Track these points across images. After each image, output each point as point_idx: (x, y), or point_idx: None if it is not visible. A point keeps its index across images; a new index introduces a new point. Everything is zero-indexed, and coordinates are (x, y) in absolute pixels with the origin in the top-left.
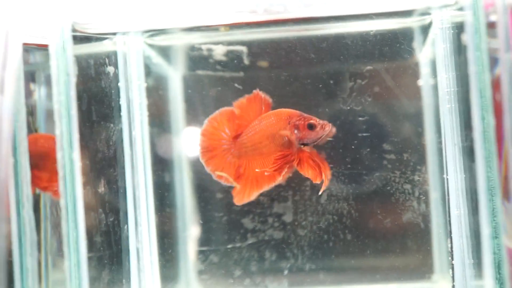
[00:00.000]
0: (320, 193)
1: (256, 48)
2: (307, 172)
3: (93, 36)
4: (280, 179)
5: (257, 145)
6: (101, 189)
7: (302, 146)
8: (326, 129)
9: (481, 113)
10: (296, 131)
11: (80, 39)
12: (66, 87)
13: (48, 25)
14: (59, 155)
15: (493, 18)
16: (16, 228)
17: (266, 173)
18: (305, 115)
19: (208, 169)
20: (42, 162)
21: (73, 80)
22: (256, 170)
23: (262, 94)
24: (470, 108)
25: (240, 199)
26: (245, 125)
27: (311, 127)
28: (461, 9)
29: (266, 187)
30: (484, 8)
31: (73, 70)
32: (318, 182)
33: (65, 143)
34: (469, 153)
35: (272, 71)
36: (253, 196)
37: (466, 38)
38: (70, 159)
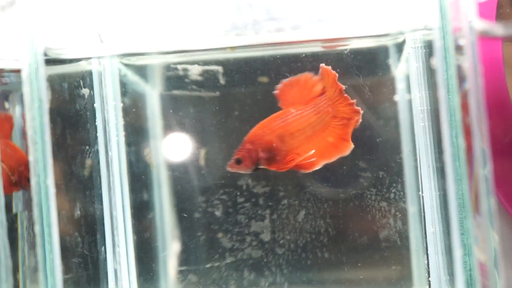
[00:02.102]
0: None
1: (232, 67)
2: None
3: (66, 59)
4: None
5: None
6: (77, 212)
7: None
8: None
9: (452, 135)
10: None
11: (53, 61)
12: (39, 113)
13: (21, 50)
14: (33, 181)
15: (461, 42)
16: None
17: None
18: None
19: None
20: None
21: (46, 106)
22: None
23: None
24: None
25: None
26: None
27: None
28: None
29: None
30: (452, 32)
31: (46, 96)
32: None
33: (39, 169)
34: (443, 171)
35: (247, 90)
36: None
37: (436, 61)
38: (44, 185)
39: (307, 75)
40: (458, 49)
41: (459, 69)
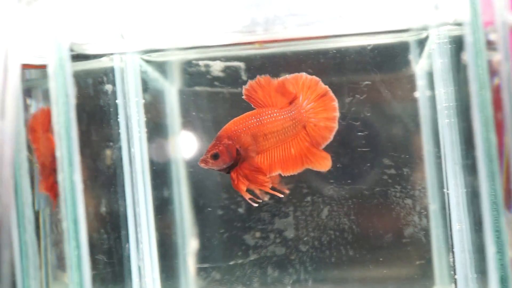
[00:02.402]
0: None
1: (254, 64)
2: None
3: (90, 55)
4: None
5: None
6: (103, 209)
7: None
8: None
9: (483, 131)
10: None
11: (78, 56)
12: (66, 108)
13: (47, 46)
14: (60, 177)
15: (492, 37)
16: (18, 252)
17: None
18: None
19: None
20: None
21: (72, 101)
22: None
23: None
24: (471, 123)
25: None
26: None
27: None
28: (459, 25)
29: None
30: (483, 26)
31: (72, 91)
32: None
33: (65, 165)
34: (470, 168)
35: None
36: None
37: (466, 57)
38: (71, 181)
39: (265, 78)
40: (489, 44)
41: (490, 64)
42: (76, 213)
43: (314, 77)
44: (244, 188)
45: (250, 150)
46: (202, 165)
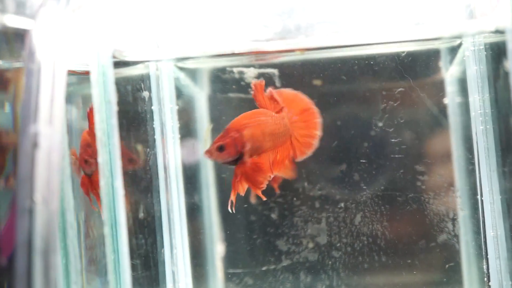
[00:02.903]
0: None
1: (288, 71)
2: None
3: (130, 62)
4: None
5: None
6: (141, 214)
7: None
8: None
9: None
10: None
11: (118, 64)
12: (108, 115)
13: (90, 52)
14: (102, 183)
15: None
16: (60, 257)
17: None
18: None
19: None
20: None
21: (115, 108)
22: None
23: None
24: (509, 130)
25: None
26: None
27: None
28: (499, 33)
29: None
30: None
31: (114, 98)
32: None
33: (107, 171)
34: (507, 175)
35: (304, 92)
36: None
37: (509, 64)
38: (112, 187)
39: (261, 83)
40: None
41: None
42: (117, 219)
43: (298, 92)
44: (242, 189)
45: (257, 146)
46: (207, 155)
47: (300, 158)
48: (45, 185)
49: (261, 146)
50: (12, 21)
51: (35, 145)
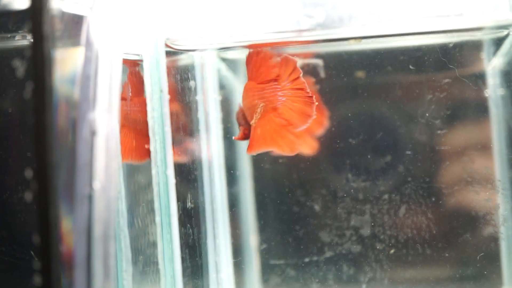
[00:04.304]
0: None
1: (333, 61)
2: None
3: (178, 51)
4: None
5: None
6: (189, 204)
7: None
8: None
9: None
10: None
11: (169, 52)
12: (160, 103)
13: (143, 41)
14: (153, 171)
15: None
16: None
17: None
18: None
19: None
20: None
21: (167, 97)
22: None
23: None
24: None
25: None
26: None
27: None
28: None
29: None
30: None
31: (166, 87)
32: None
33: (159, 159)
34: None
35: (349, 83)
36: None
37: None
38: (164, 175)
39: (266, 52)
40: None
41: None
42: (169, 208)
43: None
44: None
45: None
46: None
47: (300, 125)
48: (103, 172)
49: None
50: (71, 7)
51: (94, 132)
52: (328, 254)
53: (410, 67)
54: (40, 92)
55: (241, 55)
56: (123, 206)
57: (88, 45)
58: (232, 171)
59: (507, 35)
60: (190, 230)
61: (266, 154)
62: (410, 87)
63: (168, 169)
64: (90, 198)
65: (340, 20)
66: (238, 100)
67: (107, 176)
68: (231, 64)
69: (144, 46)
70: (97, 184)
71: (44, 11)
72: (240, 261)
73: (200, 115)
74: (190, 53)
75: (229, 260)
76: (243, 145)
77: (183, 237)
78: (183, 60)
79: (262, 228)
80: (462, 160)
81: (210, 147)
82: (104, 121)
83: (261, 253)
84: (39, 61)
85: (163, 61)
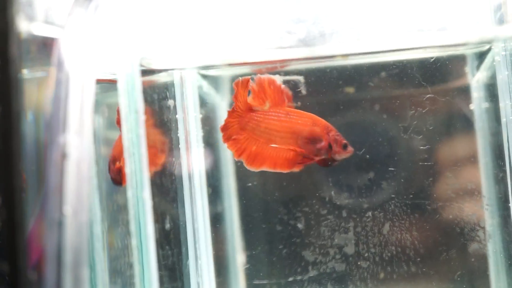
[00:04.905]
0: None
1: (314, 78)
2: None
3: (155, 70)
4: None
5: (272, 132)
6: (167, 225)
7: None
8: (350, 154)
9: None
10: (334, 144)
11: (145, 72)
12: (135, 124)
13: (117, 61)
14: (129, 194)
15: None
16: (88, 266)
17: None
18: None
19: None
20: None
21: (142, 117)
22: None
23: (283, 86)
24: None
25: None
26: (260, 104)
27: (345, 147)
28: None
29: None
30: None
31: (142, 107)
32: None
33: (135, 181)
34: None
35: (330, 100)
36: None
37: None
38: (140, 198)
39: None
40: None
41: None
42: (145, 230)
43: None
44: None
45: None
46: None
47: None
48: (74, 197)
49: None
50: (40, 29)
51: (64, 155)
52: (312, 273)
53: (393, 82)
54: (6, 117)
55: (223, 72)
56: (98, 230)
57: (59, 66)
58: (215, 189)
59: (489, 49)
60: (169, 251)
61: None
62: (393, 102)
63: (144, 191)
64: (60, 223)
65: (322, 37)
66: (220, 117)
67: (79, 201)
68: (213, 81)
69: (119, 66)
70: (68, 209)
71: (10, 34)
72: (223, 281)
73: (180, 134)
74: (171, 71)
75: (212, 280)
76: (226, 162)
77: (161, 259)
78: (162, 78)
79: (247, 246)
80: (447, 176)
81: (190, 166)
82: (75, 144)
83: (246, 273)
84: (5, 85)
85: (138, 81)
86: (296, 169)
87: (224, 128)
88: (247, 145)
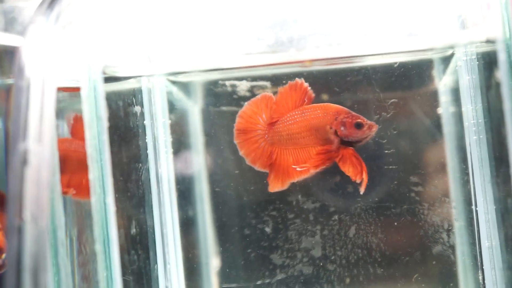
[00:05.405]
0: (362, 192)
1: (280, 83)
2: (348, 170)
3: (121, 77)
4: (313, 172)
5: (294, 135)
6: (133, 230)
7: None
8: (373, 130)
9: None
10: (342, 128)
11: (109, 79)
12: (99, 131)
13: (80, 69)
14: (93, 200)
15: None
16: (51, 275)
17: (300, 168)
18: (353, 113)
19: (241, 153)
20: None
21: (105, 124)
22: (294, 166)
23: (306, 85)
24: (502, 140)
25: (273, 187)
26: (283, 113)
27: (359, 126)
28: (490, 42)
29: (298, 178)
30: None
31: (105, 114)
32: (358, 180)
33: (98, 187)
34: (500, 185)
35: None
36: (286, 185)
37: (500, 74)
38: (104, 203)
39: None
40: None
41: None
42: (109, 236)
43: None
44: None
45: None
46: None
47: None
48: (34, 203)
49: None
50: (1, 38)
51: (24, 162)
52: (280, 276)
53: (359, 86)
54: None
55: (194, 78)
56: (62, 235)
57: (19, 74)
58: (186, 195)
59: (452, 54)
60: (135, 256)
61: (225, 174)
62: (360, 106)
63: (108, 197)
64: (20, 229)
65: (290, 42)
66: (191, 123)
67: (38, 207)
68: (183, 86)
69: (81, 73)
70: (27, 215)
71: None
72: (194, 285)
73: (148, 140)
74: (138, 78)
75: (182, 284)
76: (198, 167)
77: (126, 264)
78: (129, 84)
79: (219, 251)
80: (412, 180)
81: (158, 171)
82: (35, 152)
83: (217, 277)
84: None
85: (101, 88)
86: (328, 165)
87: (256, 157)
88: (281, 161)
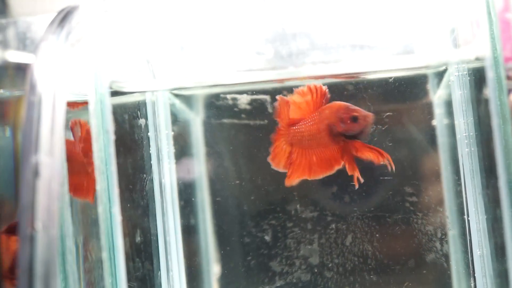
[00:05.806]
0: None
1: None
2: (368, 156)
3: (127, 92)
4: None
5: (315, 135)
6: (138, 238)
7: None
8: (368, 120)
9: (505, 163)
10: (342, 124)
11: (116, 92)
12: (105, 144)
13: (88, 85)
14: (100, 209)
15: None
16: (60, 282)
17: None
18: (351, 107)
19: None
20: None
21: (112, 137)
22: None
23: (325, 87)
24: (492, 153)
25: (289, 182)
26: (301, 114)
27: (354, 119)
28: (480, 60)
29: (320, 176)
30: (503, 63)
31: (112, 128)
32: (382, 161)
33: (105, 197)
34: (491, 195)
35: None
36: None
37: (488, 91)
38: (110, 213)
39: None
40: (510, 78)
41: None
42: (115, 244)
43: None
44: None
45: None
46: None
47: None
48: (45, 213)
49: None
50: (14, 56)
51: (36, 174)
52: (279, 283)
53: (357, 99)
54: None
55: (196, 92)
56: (70, 243)
57: (32, 90)
58: (188, 204)
59: (445, 70)
60: (140, 263)
61: (226, 184)
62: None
63: (114, 207)
64: (32, 238)
65: (289, 57)
66: (192, 134)
67: (49, 217)
68: (185, 99)
69: (89, 89)
70: (39, 225)
71: None
72: None
73: (152, 151)
74: (144, 93)
75: None
76: (200, 177)
77: (131, 271)
78: (135, 97)
79: (220, 259)
80: (407, 190)
81: (162, 181)
82: (46, 164)
83: (217, 282)
84: None
85: (108, 102)
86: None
87: (275, 156)
88: (300, 160)
